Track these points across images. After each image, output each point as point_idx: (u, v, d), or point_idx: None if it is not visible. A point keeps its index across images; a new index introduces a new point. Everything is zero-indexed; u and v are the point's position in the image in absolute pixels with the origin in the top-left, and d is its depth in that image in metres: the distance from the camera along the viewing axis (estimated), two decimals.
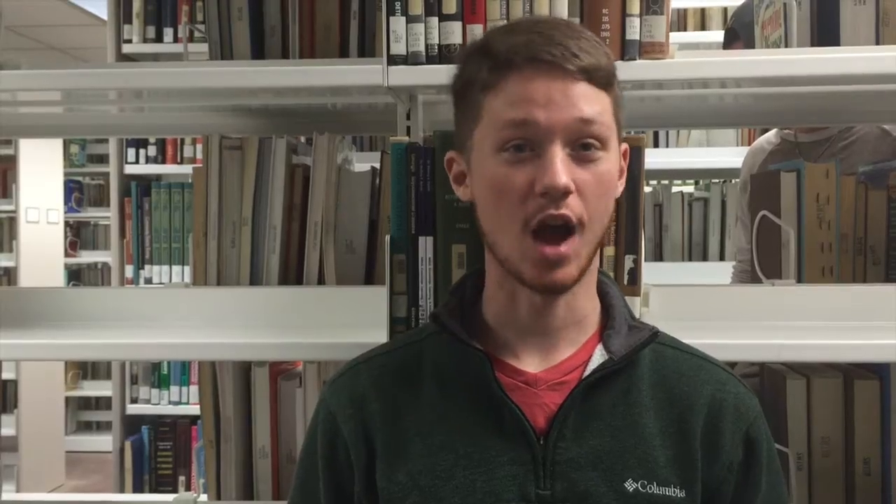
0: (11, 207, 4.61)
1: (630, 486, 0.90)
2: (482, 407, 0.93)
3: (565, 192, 0.87)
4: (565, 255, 0.88)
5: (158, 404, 3.53)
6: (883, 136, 1.96)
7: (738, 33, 2.04)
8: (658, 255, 2.83)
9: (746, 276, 2.13)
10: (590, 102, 0.89)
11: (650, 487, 0.90)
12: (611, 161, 0.91)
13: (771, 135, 2.20)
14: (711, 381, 0.97)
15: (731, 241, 2.73)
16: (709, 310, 1.34)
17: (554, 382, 0.93)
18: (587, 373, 0.93)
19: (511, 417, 0.91)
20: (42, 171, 4.78)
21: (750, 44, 1.84)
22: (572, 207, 0.88)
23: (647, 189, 2.80)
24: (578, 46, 0.89)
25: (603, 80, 0.90)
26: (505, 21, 1.20)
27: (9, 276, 4.75)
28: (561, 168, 0.87)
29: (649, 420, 0.93)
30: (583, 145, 0.89)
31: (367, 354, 1.03)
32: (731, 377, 0.99)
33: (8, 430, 4.45)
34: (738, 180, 2.46)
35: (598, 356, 0.94)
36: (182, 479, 3.44)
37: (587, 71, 0.89)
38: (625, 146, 0.97)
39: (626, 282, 1.16)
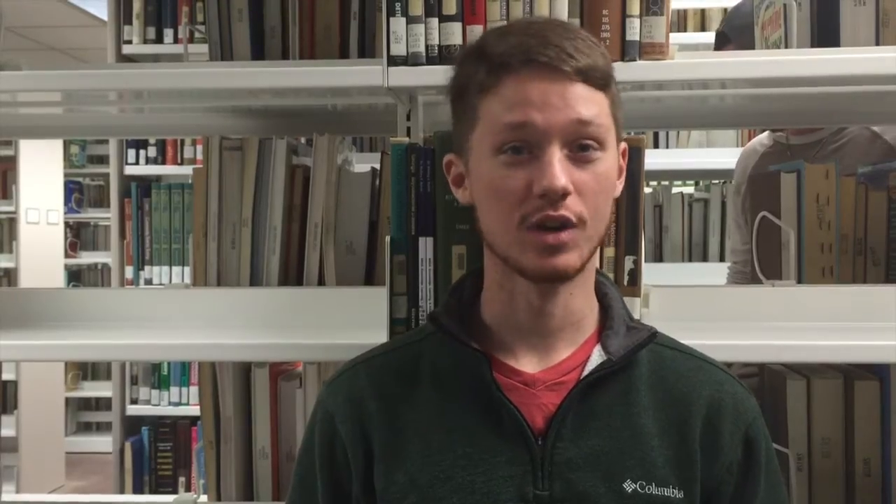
0: (11, 208, 4.61)
1: (629, 486, 0.90)
2: (480, 407, 0.93)
3: (563, 194, 0.87)
4: (565, 242, 0.88)
5: (158, 405, 3.53)
6: (873, 138, 1.96)
7: (729, 36, 2.03)
8: (658, 256, 2.83)
9: (741, 276, 2.15)
10: (587, 104, 0.89)
11: (649, 488, 0.90)
12: (609, 161, 0.91)
13: (763, 137, 2.21)
14: (710, 382, 0.97)
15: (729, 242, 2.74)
16: (709, 310, 1.34)
17: (552, 383, 0.93)
18: (585, 373, 0.93)
19: (509, 418, 0.91)
20: (42, 171, 4.78)
21: (741, 47, 1.84)
22: (571, 207, 0.88)
23: (647, 190, 2.80)
24: (574, 47, 0.89)
25: (600, 80, 0.90)
26: (505, 22, 1.21)
27: (9, 276, 4.75)
28: (559, 170, 0.87)
29: (648, 420, 0.93)
30: (580, 146, 0.89)
31: (365, 355, 1.03)
32: (729, 377, 0.99)
33: (8, 431, 4.45)
34: None
35: (597, 357, 0.94)
36: (182, 479, 3.43)
37: (583, 72, 0.89)
38: (624, 146, 0.97)
39: (626, 282, 1.16)
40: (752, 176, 2.07)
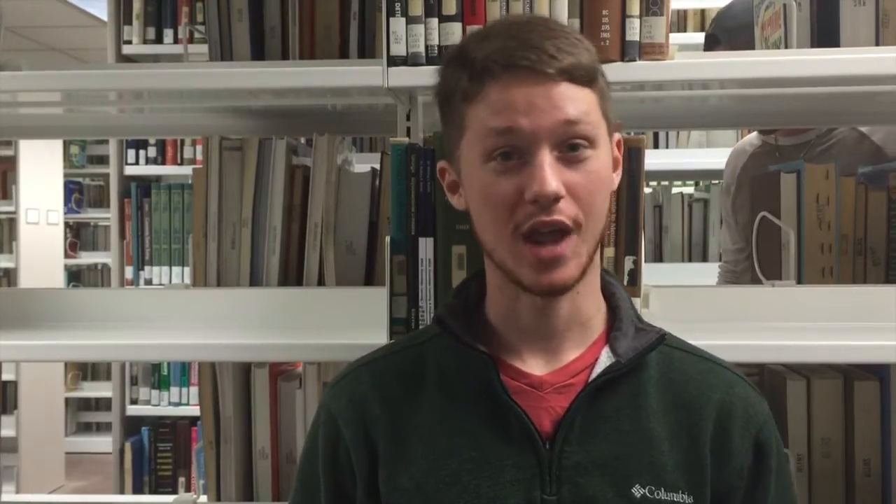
0: (11, 208, 4.61)
1: (637, 491, 0.88)
2: (487, 411, 0.91)
3: (556, 198, 0.86)
4: (562, 255, 0.87)
5: (158, 405, 3.53)
6: (860, 139, 1.96)
7: (719, 37, 2.03)
8: (658, 256, 2.83)
9: (731, 275, 2.15)
10: (574, 102, 0.87)
11: (658, 493, 0.88)
12: (601, 158, 0.90)
13: (753, 137, 2.21)
14: (720, 385, 0.95)
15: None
16: (709, 311, 1.34)
17: (560, 385, 0.91)
18: (594, 375, 0.91)
19: (516, 421, 0.90)
20: (42, 172, 4.78)
21: (732, 48, 1.83)
22: (565, 211, 0.87)
23: (646, 190, 2.80)
24: (556, 47, 0.87)
25: (584, 77, 0.89)
26: None
27: (9, 276, 4.76)
28: (550, 174, 0.85)
29: (657, 424, 0.92)
30: (570, 146, 0.87)
31: (368, 357, 1.02)
32: (740, 380, 0.97)
33: (8, 432, 4.45)
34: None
35: (605, 359, 0.93)
36: (182, 480, 3.43)
37: (567, 71, 0.87)
38: (618, 137, 0.95)
39: (626, 283, 1.16)
40: (751, 176, 2.07)
